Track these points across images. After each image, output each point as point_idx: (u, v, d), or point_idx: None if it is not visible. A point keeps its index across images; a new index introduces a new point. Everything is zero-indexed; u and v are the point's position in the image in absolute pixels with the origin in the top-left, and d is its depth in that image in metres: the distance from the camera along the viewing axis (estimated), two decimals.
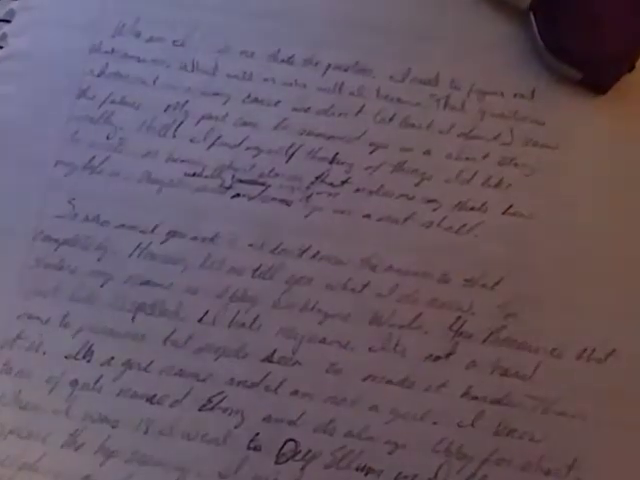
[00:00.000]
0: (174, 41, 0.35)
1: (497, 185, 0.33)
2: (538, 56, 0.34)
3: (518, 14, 0.35)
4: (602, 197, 0.33)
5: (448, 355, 0.30)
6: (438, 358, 0.30)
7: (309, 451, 0.29)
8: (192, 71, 0.34)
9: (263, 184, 0.33)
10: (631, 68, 0.33)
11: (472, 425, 0.30)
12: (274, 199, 0.33)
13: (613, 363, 0.30)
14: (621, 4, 0.34)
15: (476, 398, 0.30)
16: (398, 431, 0.30)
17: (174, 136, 0.33)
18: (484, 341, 0.31)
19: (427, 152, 0.33)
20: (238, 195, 0.33)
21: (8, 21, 0.35)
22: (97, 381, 0.30)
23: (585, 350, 0.30)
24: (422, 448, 0.29)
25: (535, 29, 0.34)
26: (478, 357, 0.30)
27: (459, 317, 0.31)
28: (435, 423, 0.30)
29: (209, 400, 0.30)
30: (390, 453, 0.29)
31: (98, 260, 0.32)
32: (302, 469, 0.29)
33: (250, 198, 0.33)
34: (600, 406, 0.30)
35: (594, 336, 0.31)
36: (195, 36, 0.35)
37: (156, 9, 0.35)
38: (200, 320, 0.31)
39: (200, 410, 0.30)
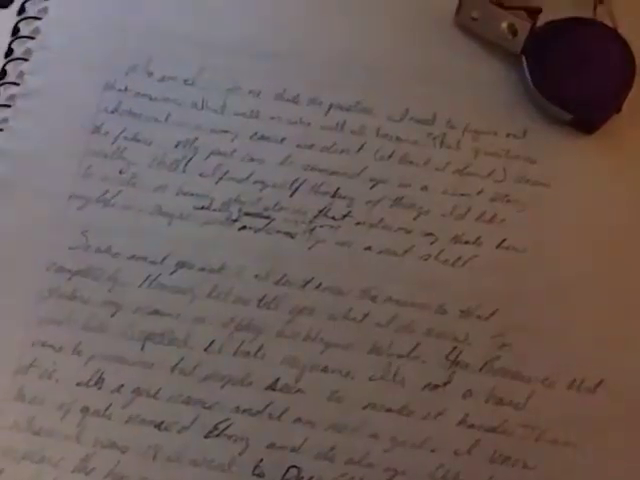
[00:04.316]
0: (185, 80, 0.34)
1: (491, 220, 0.32)
2: (530, 97, 0.34)
3: (511, 57, 0.35)
4: (591, 231, 0.32)
5: (445, 384, 0.30)
6: (436, 387, 0.30)
7: (311, 477, 0.29)
8: (202, 109, 0.34)
9: (268, 217, 0.32)
10: (618, 109, 0.33)
11: (468, 453, 0.29)
12: (279, 232, 0.32)
13: (602, 392, 0.30)
14: (608, 48, 0.34)
15: (472, 426, 0.29)
16: (397, 458, 0.29)
17: (184, 171, 0.33)
18: (479, 371, 0.30)
19: (424, 188, 0.33)
20: (244, 228, 0.32)
21: (26, 59, 0.35)
22: (107, 408, 0.29)
23: (575, 380, 0.30)
24: (420, 475, 0.29)
25: (527, 72, 0.34)
26: (474, 386, 0.30)
27: (455, 347, 0.30)
28: (433, 451, 0.29)
29: (215, 427, 0.29)
30: None
31: (109, 290, 0.31)
32: None
33: (256, 230, 0.32)
34: (590, 434, 0.29)
35: (584, 367, 0.30)
36: (205, 76, 0.34)
37: (168, 50, 0.35)
38: (207, 349, 0.30)
39: (206, 437, 0.29)
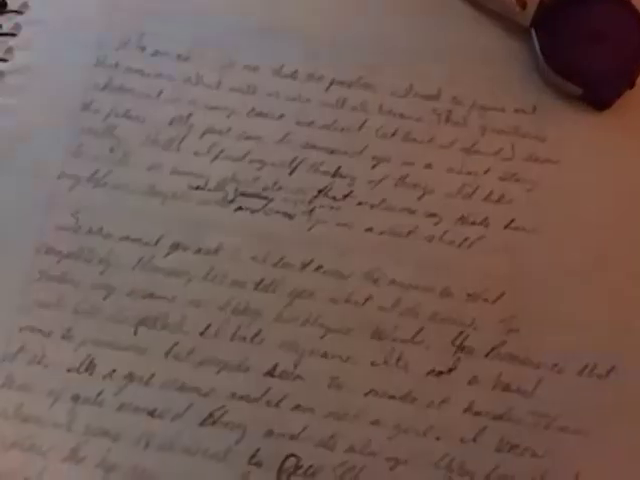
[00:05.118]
0: (178, 55, 0.33)
1: (499, 200, 0.31)
2: (539, 72, 0.33)
3: (520, 31, 0.33)
4: (603, 211, 0.31)
5: (450, 370, 0.29)
6: (440, 373, 0.29)
7: (310, 466, 0.28)
8: (196, 85, 0.33)
9: (266, 197, 0.31)
10: (632, 85, 0.32)
11: (474, 441, 0.28)
12: (277, 212, 0.31)
13: (614, 379, 0.29)
14: (622, 21, 0.32)
15: (478, 414, 0.28)
16: (400, 447, 0.28)
17: (178, 149, 0.32)
18: (486, 356, 0.29)
19: (429, 166, 0.32)
20: (241, 208, 0.31)
21: (14, 35, 0.33)
22: (98, 395, 0.28)
23: (586, 366, 0.29)
24: (424, 464, 0.28)
25: (536, 45, 0.33)
26: (480, 372, 0.29)
27: (461, 332, 0.29)
28: (437, 439, 0.28)
29: (210, 415, 0.28)
30: (392, 469, 0.28)
31: (101, 273, 0.30)
32: None
33: (253, 211, 0.31)
34: (601, 422, 0.28)
35: (595, 352, 0.29)
36: (199, 50, 0.33)
37: (160, 24, 0.34)
38: (202, 333, 0.29)
39: (201, 425, 0.28)
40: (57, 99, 0.32)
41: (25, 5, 0.34)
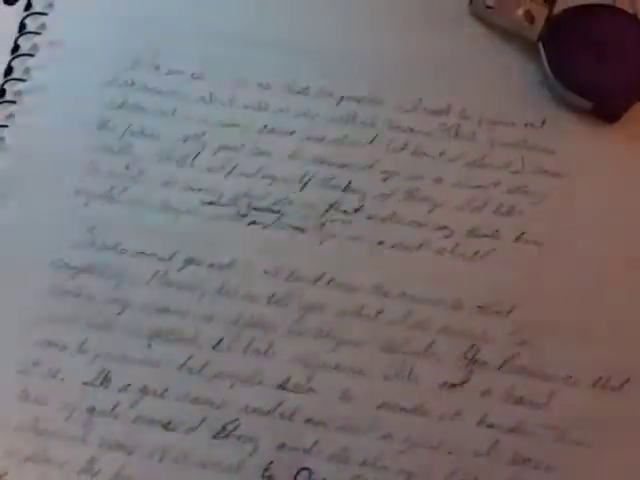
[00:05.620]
0: (192, 74, 0.34)
1: (509, 213, 0.31)
2: (548, 86, 0.33)
3: (528, 45, 0.34)
4: (613, 224, 0.31)
5: (463, 383, 0.29)
6: (453, 386, 0.29)
7: None
8: (210, 102, 0.33)
9: (278, 212, 0.32)
10: None
11: (487, 454, 0.28)
12: (289, 226, 0.31)
13: (629, 391, 0.29)
14: (629, 34, 0.33)
15: (491, 427, 0.28)
16: (412, 460, 0.28)
17: (192, 166, 0.32)
18: (499, 369, 0.29)
19: (438, 180, 0.32)
20: (253, 223, 0.31)
21: (32, 55, 0.34)
22: (114, 408, 0.29)
23: (600, 378, 0.29)
24: (436, 478, 0.28)
25: (545, 60, 0.33)
26: (493, 385, 0.29)
27: (473, 345, 0.29)
28: (450, 452, 0.28)
29: (223, 427, 0.28)
30: None
31: (116, 287, 0.30)
32: None
33: (265, 226, 0.31)
34: (616, 435, 0.28)
35: (609, 364, 0.29)
36: (212, 68, 0.34)
37: (175, 43, 0.34)
38: (215, 347, 0.30)
39: (214, 437, 0.28)
40: (74, 118, 0.33)
41: (43, 26, 0.35)
